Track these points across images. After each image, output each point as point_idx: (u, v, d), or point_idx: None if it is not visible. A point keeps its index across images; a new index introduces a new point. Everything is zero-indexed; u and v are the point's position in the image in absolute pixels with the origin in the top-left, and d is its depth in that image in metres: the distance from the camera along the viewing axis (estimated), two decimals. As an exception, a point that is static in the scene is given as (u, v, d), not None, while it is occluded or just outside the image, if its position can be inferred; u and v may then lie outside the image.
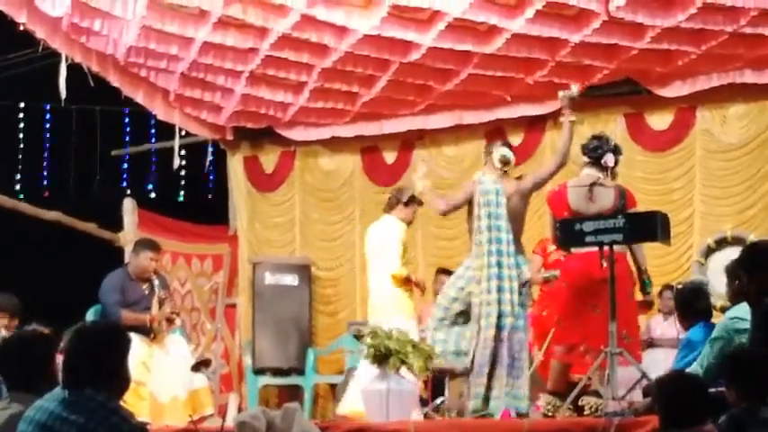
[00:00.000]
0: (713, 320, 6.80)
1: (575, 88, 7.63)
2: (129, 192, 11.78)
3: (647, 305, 8.15)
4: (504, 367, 7.26)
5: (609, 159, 7.67)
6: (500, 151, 7.65)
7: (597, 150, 7.70)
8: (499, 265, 7.36)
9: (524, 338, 7.40)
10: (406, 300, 8.56)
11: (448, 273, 9.19)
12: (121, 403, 4.03)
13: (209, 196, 12.30)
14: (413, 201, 8.62)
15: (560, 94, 7.66)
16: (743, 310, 5.78)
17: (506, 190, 7.51)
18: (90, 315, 8.67)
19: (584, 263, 7.40)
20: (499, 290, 7.33)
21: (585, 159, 7.74)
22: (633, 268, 7.73)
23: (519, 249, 7.48)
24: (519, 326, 7.34)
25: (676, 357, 6.85)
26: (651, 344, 9.29)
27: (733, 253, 8.12)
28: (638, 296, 7.96)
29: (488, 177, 7.58)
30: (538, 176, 7.66)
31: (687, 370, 5.99)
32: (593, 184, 7.61)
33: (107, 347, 4.01)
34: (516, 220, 7.48)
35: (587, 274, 7.36)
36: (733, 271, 6.19)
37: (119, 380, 4.02)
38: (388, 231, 8.67)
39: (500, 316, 7.29)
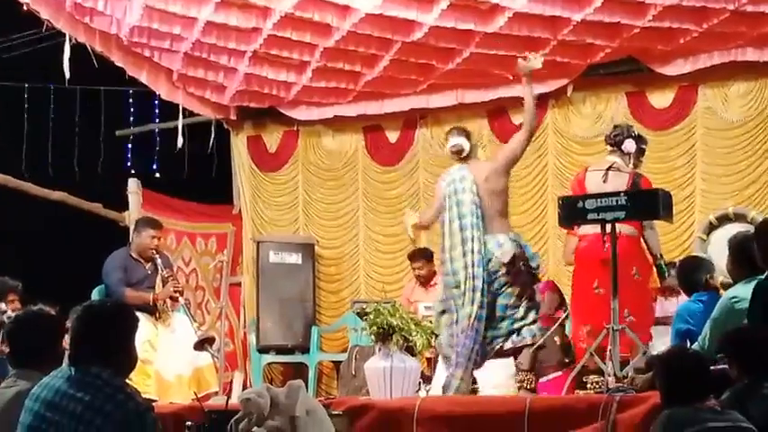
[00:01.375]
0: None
1: (537, 59, 7.60)
2: (133, 171, 11.80)
3: (669, 290, 8.25)
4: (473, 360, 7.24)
5: (628, 145, 7.83)
6: (449, 143, 7.62)
7: (617, 137, 7.86)
8: (464, 254, 7.27)
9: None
10: None
11: None
12: (128, 381, 4.07)
13: (213, 176, 12.32)
14: None
15: (521, 64, 7.64)
16: (743, 290, 5.81)
17: (477, 174, 7.41)
18: (95, 295, 8.72)
19: (590, 243, 7.47)
20: (466, 279, 7.23)
21: (608, 147, 7.96)
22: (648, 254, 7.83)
23: (495, 228, 7.32)
24: (481, 316, 7.19)
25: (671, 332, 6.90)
26: (656, 321, 9.32)
27: (734, 229, 8.21)
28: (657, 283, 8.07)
29: (451, 170, 7.59)
30: (509, 151, 7.57)
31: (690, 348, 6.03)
32: (609, 168, 7.73)
33: (114, 325, 4.04)
34: (495, 199, 7.38)
35: (591, 254, 7.42)
36: (742, 244, 6.21)
37: (125, 358, 4.05)
38: None
39: (472, 303, 7.19)
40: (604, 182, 7.71)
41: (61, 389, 3.91)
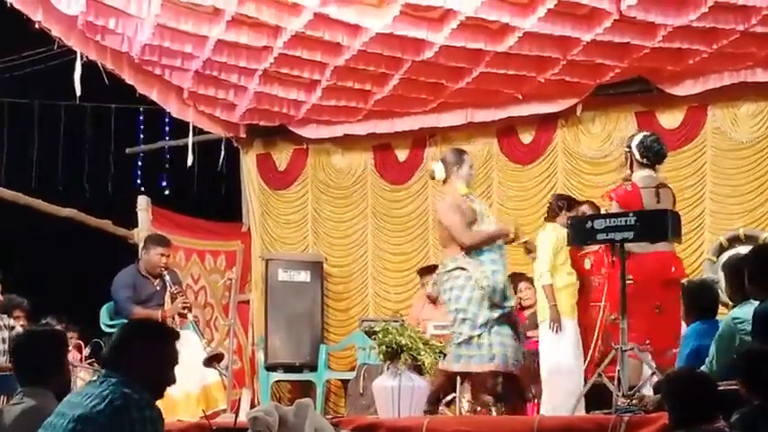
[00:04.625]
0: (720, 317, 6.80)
1: None
2: (143, 189, 11.83)
3: None
4: None
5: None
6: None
7: (659, 152, 7.76)
8: None
9: None
10: (563, 301, 8.32)
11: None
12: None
13: (223, 193, 12.35)
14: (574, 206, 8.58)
15: None
16: (745, 311, 5.80)
17: None
18: (103, 312, 8.73)
19: (657, 263, 7.40)
20: None
21: (643, 161, 7.68)
22: None
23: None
24: None
25: (678, 354, 6.87)
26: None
27: (744, 251, 8.17)
28: None
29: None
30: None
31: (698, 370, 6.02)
32: (659, 186, 7.67)
33: (149, 343, 4.13)
34: None
35: (659, 274, 7.34)
36: (738, 266, 6.21)
37: (153, 377, 4.09)
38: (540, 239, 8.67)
39: None
40: (657, 202, 7.66)
41: (79, 390, 4.04)
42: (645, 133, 7.87)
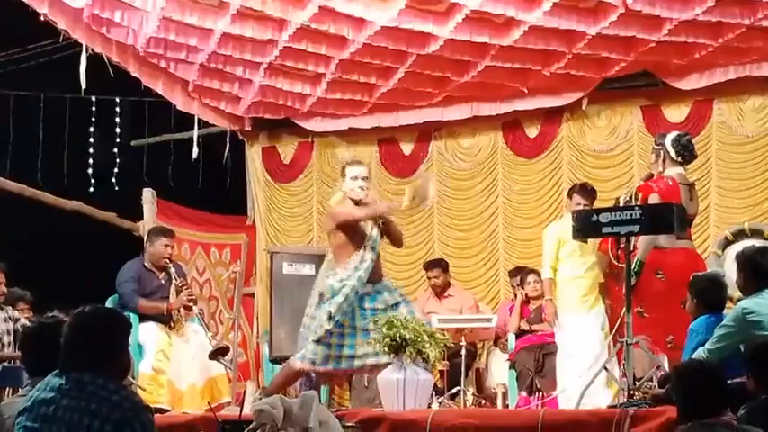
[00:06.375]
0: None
1: None
2: (148, 181, 11.83)
3: None
4: None
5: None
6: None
7: (693, 152, 7.77)
8: None
9: None
10: (570, 293, 8.38)
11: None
12: (140, 391, 4.04)
13: (228, 186, 12.35)
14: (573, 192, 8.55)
15: None
16: (756, 303, 5.81)
17: None
18: (109, 305, 8.72)
19: (688, 258, 7.40)
20: None
21: (678, 159, 7.72)
22: None
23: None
24: None
25: (684, 348, 6.87)
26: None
27: (758, 244, 8.18)
28: None
29: None
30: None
31: (693, 356, 6.04)
32: (691, 184, 7.69)
33: (104, 331, 4.00)
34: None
35: (687, 269, 7.31)
36: (751, 258, 6.23)
37: (117, 364, 4.00)
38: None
39: None
40: (690, 199, 7.64)
41: (54, 400, 3.87)
42: (678, 132, 7.99)
